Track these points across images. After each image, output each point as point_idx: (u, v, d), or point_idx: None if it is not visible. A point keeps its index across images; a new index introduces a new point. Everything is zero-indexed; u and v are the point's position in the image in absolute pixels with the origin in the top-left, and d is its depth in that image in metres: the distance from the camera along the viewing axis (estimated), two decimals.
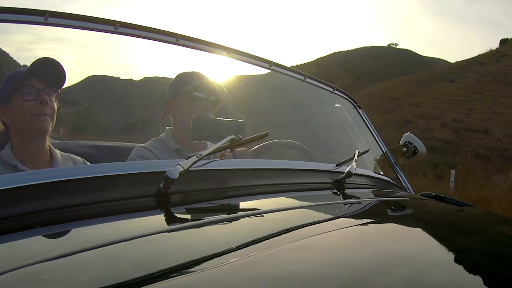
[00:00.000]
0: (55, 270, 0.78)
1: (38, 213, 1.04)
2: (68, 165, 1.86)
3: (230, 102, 2.27)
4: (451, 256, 1.11)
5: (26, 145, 1.77)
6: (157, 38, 1.63)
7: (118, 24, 1.49)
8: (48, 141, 1.85)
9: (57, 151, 1.86)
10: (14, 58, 1.94)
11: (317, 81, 2.30)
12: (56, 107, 1.79)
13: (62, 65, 1.80)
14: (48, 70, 1.77)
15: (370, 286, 0.82)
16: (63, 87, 1.83)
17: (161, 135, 2.16)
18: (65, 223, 1.07)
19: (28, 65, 1.79)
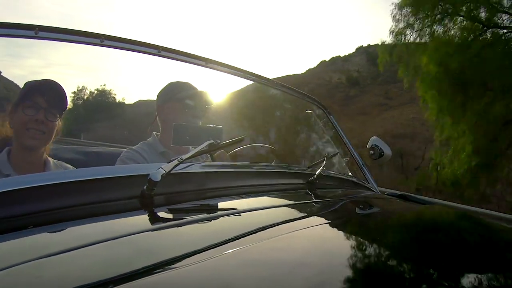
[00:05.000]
0: (46, 268, 0.79)
1: (30, 214, 1.04)
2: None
3: (214, 110, 2.30)
4: (413, 249, 1.14)
5: (22, 152, 1.77)
6: (139, 50, 1.65)
7: (103, 37, 1.50)
8: (46, 152, 1.85)
9: (50, 159, 1.86)
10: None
11: (290, 89, 2.33)
12: (56, 127, 1.80)
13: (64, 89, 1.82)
14: (53, 92, 1.78)
15: (338, 274, 0.85)
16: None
17: (149, 139, 2.18)
18: (55, 224, 1.07)
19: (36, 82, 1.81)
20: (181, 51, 1.79)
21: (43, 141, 1.78)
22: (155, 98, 2.26)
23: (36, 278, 0.75)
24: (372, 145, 2.41)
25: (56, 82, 1.80)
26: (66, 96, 1.81)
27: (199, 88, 2.21)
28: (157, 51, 1.68)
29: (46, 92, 1.77)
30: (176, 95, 2.16)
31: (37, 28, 1.34)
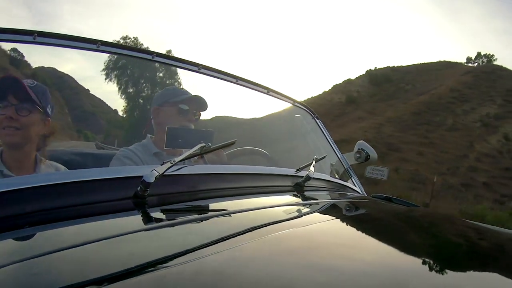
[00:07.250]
0: (41, 267, 0.79)
1: (26, 214, 1.05)
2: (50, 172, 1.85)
3: (208, 116, 2.32)
4: (397, 249, 1.16)
5: (9, 151, 1.77)
6: (134, 56, 1.65)
7: (99, 43, 1.51)
8: (40, 152, 1.84)
9: (42, 159, 1.86)
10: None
11: (279, 94, 2.34)
12: (32, 121, 1.77)
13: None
14: (14, 87, 1.76)
15: (326, 274, 0.86)
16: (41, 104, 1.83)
17: (143, 141, 2.20)
18: (50, 224, 1.08)
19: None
20: (174, 57, 1.80)
21: (21, 137, 1.77)
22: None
23: (32, 276, 0.76)
24: (358, 148, 2.43)
25: (15, 77, 1.79)
26: (26, 89, 1.77)
27: (195, 94, 2.24)
28: (151, 57, 1.69)
29: (10, 89, 1.75)
30: (171, 99, 2.19)
31: (35, 34, 1.35)
